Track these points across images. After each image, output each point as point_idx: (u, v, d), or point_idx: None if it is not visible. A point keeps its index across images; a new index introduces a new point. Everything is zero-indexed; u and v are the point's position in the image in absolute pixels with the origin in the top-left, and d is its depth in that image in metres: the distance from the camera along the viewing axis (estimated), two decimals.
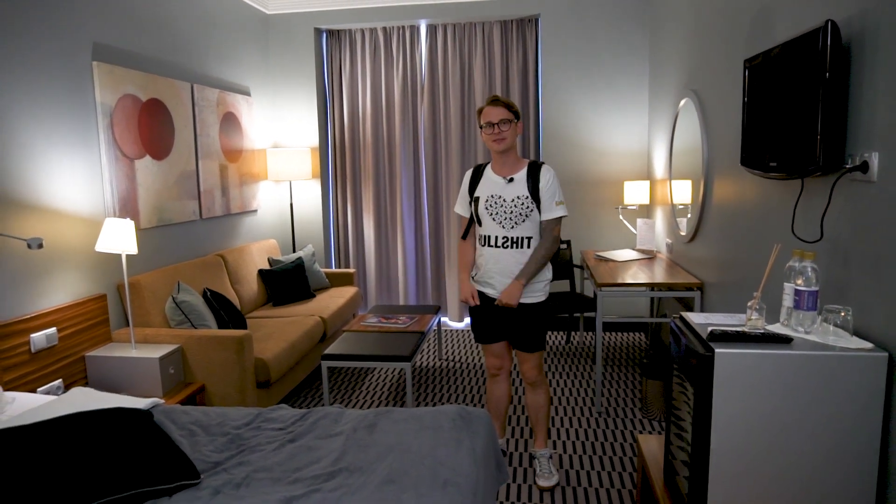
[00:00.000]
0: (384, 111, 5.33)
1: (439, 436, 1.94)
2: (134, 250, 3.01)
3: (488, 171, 2.72)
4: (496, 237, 2.67)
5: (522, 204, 2.62)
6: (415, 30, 5.23)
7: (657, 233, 4.63)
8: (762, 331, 1.77)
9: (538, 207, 2.64)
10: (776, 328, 1.83)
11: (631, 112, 4.95)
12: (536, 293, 2.74)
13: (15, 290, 2.74)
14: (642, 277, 3.64)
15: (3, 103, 2.68)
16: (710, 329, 1.80)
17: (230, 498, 1.62)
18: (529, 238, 2.67)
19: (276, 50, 5.33)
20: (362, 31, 5.29)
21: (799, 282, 1.79)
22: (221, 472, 1.79)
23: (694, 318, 2.00)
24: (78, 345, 3.03)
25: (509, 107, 2.63)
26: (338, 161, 5.50)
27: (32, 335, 2.77)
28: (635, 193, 4.68)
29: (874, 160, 1.67)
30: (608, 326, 5.16)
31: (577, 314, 4.98)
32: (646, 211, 4.95)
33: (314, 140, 5.36)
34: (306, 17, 5.25)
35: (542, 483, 2.75)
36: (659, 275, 3.71)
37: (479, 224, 2.72)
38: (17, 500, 1.55)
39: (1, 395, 2.29)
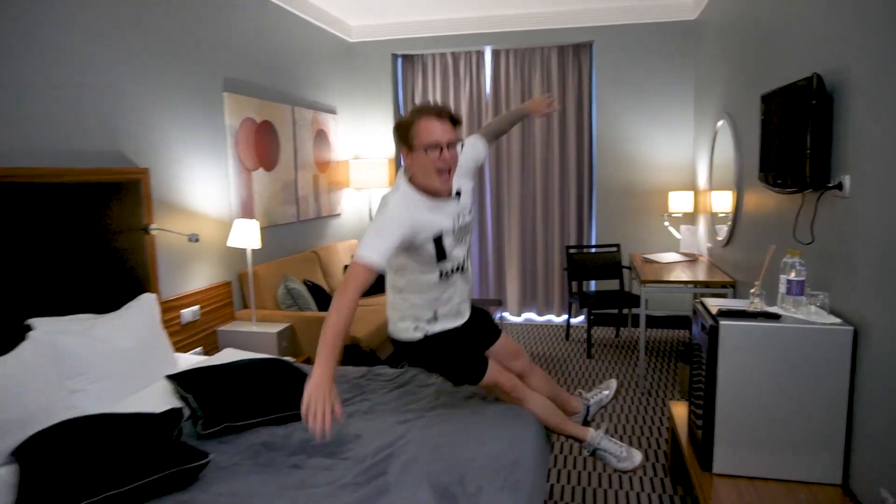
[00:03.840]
0: None
1: None
2: (258, 245, 3.74)
3: (421, 201, 2.06)
4: (461, 260, 2.23)
5: (471, 209, 2.28)
6: (480, 55, 5.86)
7: (699, 238, 5.11)
8: (759, 310, 2.31)
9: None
10: (773, 309, 2.37)
11: (677, 129, 5.44)
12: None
13: (173, 275, 3.50)
14: (682, 276, 4.15)
15: (160, 128, 3.45)
16: (718, 308, 2.36)
17: (363, 420, 2.28)
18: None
19: (358, 73, 6.06)
20: (433, 56, 5.96)
21: (791, 274, 2.32)
22: (350, 405, 2.45)
23: (711, 302, 2.54)
24: (212, 321, 3.78)
25: (455, 121, 2.06)
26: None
27: (182, 311, 3.52)
28: (680, 202, 5.18)
29: (847, 181, 2.20)
30: (655, 323, 5.65)
31: (626, 311, 5.51)
32: (690, 218, 5.43)
33: (390, 152, 6.06)
34: (384, 44, 5.96)
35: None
36: (697, 274, 4.22)
37: (442, 258, 2.12)
38: (249, 402, 2.31)
39: (174, 354, 3.03)
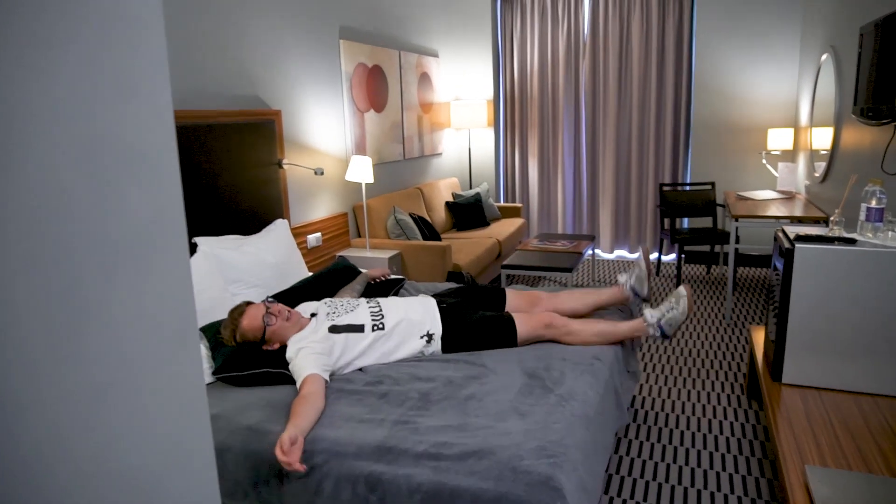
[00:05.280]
0: (549, 67, 6.14)
1: None
2: (371, 180, 4.17)
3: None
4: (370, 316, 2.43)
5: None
6: None
7: (798, 175, 5.08)
8: (836, 236, 2.47)
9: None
10: (852, 235, 2.52)
11: (781, 64, 5.34)
12: None
13: (301, 204, 4.01)
14: (774, 212, 4.23)
15: (287, 74, 3.90)
16: (796, 234, 2.54)
17: None
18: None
19: (459, 17, 6.29)
20: None
21: (872, 202, 2.45)
22: None
23: (791, 229, 2.71)
24: (332, 247, 4.30)
25: None
26: (508, 111, 6.42)
27: (308, 236, 4.05)
28: (779, 140, 5.14)
29: None
30: (749, 261, 5.70)
31: (718, 248, 5.59)
32: (789, 156, 5.37)
33: (489, 93, 6.31)
34: None
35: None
36: (791, 210, 4.27)
37: (356, 330, 2.35)
38: None
39: (308, 272, 3.55)
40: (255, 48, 3.56)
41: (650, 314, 2.57)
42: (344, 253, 4.30)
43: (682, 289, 2.57)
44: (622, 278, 2.88)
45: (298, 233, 3.94)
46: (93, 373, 0.62)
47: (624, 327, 2.56)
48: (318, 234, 4.14)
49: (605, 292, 2.82)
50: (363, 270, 3.28)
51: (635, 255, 2.86)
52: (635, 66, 5.81)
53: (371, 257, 4.18)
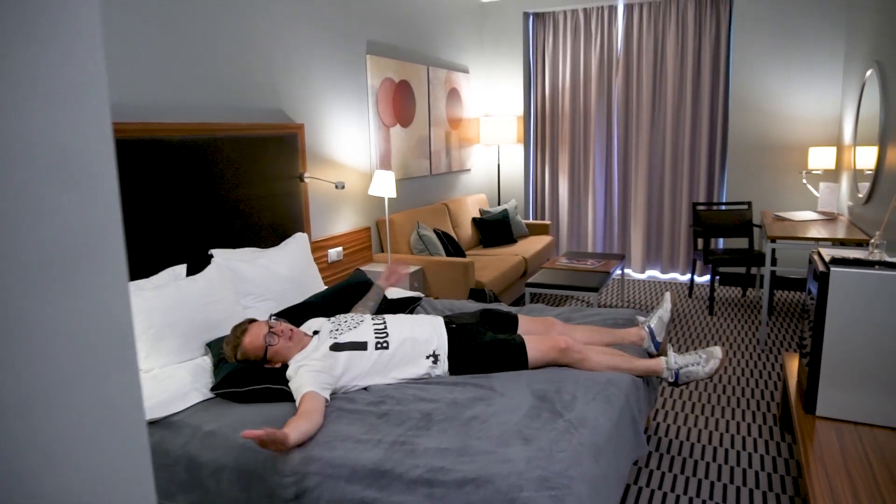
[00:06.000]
0: (581, 83, 6.04)
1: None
2: (393, 195, 4.13)
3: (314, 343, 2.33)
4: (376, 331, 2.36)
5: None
6: (613, 10, 5.83)
7: (840, 196, 4.86)
8: (876, 259, 2.31)
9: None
10: (894, 260, 2.35)
11: (823, 80, 5.14)
12: None
13: (322, 219, 3.99)
14: (814, 233, 4.03)
15: (312, 88, 3.89)
16: (832, 256, 2.38)
17: None
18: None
19: (490, 33, 6.26)
20: (565, 13, 6.01)
21: None
22: None
23: (827, 251, 2.55)
24: (353, 261, 4.26)
25: None
26: (539, 128, 6.34)
27: (329, 250, 4.02)
28: (821, 158, 4.93)
29: None
30: (786, 284, 5.46)
31: (754, 271, 5.38)
32: (831, 176, 5.15)
33: (519, 109, 6.24)
34: (516, 2, 6.09)
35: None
36: (832, 232, 4.07)
37: (359, 348, 2.29)
38: None
39: (324, 286, 3.51)
40: (281, 62, 3.57)
41: (674, 359, 2.45)
42: (365, 268, 4.26)
43: (718, 350, 2.44)
44: (642, 318, 2.79)
45: (319, 247, 3.91)
46: (13, 390, 0.57)
47: (641, 365, 2.43)
48: (340, 249, 4.11)
49: (623, 334, 2.68)
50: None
51: (665, 301, 2.74)
52: (670, 82, 5.67)
53: None
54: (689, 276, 5.84)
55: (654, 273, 6.09)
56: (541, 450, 1.68)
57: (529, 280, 4.35)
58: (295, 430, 1.75)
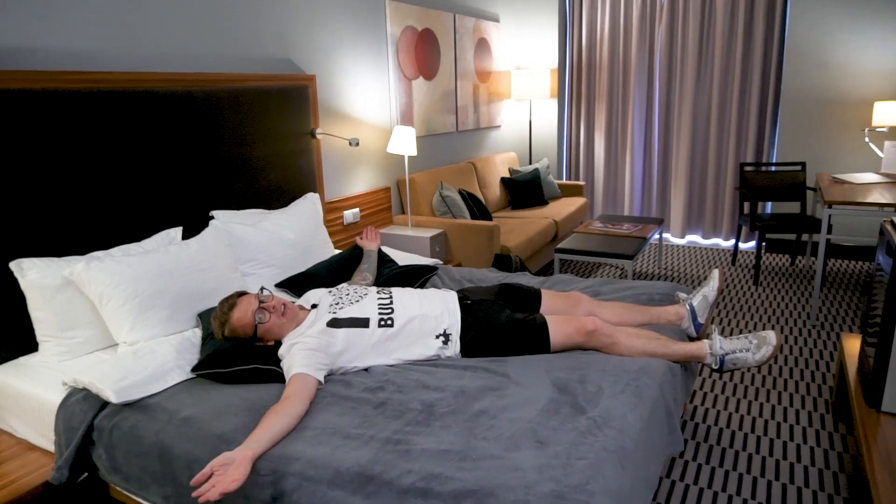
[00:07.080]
0: (621, 33, 5.59)
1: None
2: (414, 152, 3.85)
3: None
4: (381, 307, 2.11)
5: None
6: None
7: None
8: None
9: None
10: None
11: (890, 26, 4.61)
12: None
13: (337, 178, 3.74)
14: (878, 198, 3.62)
15: (325, 36, 3.59)
16: None
17: None
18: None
19: None
20: None
21: None
22: None
23: None
24: (371, 223, 4.02)
25: None
26: (574, 81, 5.92)
27: (345, 212, 3.78)
28: (887, 114, 4.45)
29: None
30: (841, 252, 5.05)
31: (805, 237, 4.96)
32: None
33: (553, 62, 5.83)
34: None
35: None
36: None
37: (360, 325, 2.04)
38: None
39: (334, 250, 3.28)
40: (289, 7, 3.28)
41: (719, 344, 2.10)
42: (384, 231, 4.01)
43: (772, 335, 2.07)
44: (683, 295, 2.45)
45: (334, 208, 3.68)
46: None
47: (680, 350, 2.08)
48: (356, 210, 3.86)
49: (659, 312, 2.34)
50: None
51: (712, 279, 2.38)
52: (718, 32, 5.18)
53: (412, 236, 3.87)
54: (732, 242, 5.45)
55: (694, 238, 5.71)
56: (556, 456, 1.43)
57: (559, 245, 4.05)
58: (260, 441, 1.50)
